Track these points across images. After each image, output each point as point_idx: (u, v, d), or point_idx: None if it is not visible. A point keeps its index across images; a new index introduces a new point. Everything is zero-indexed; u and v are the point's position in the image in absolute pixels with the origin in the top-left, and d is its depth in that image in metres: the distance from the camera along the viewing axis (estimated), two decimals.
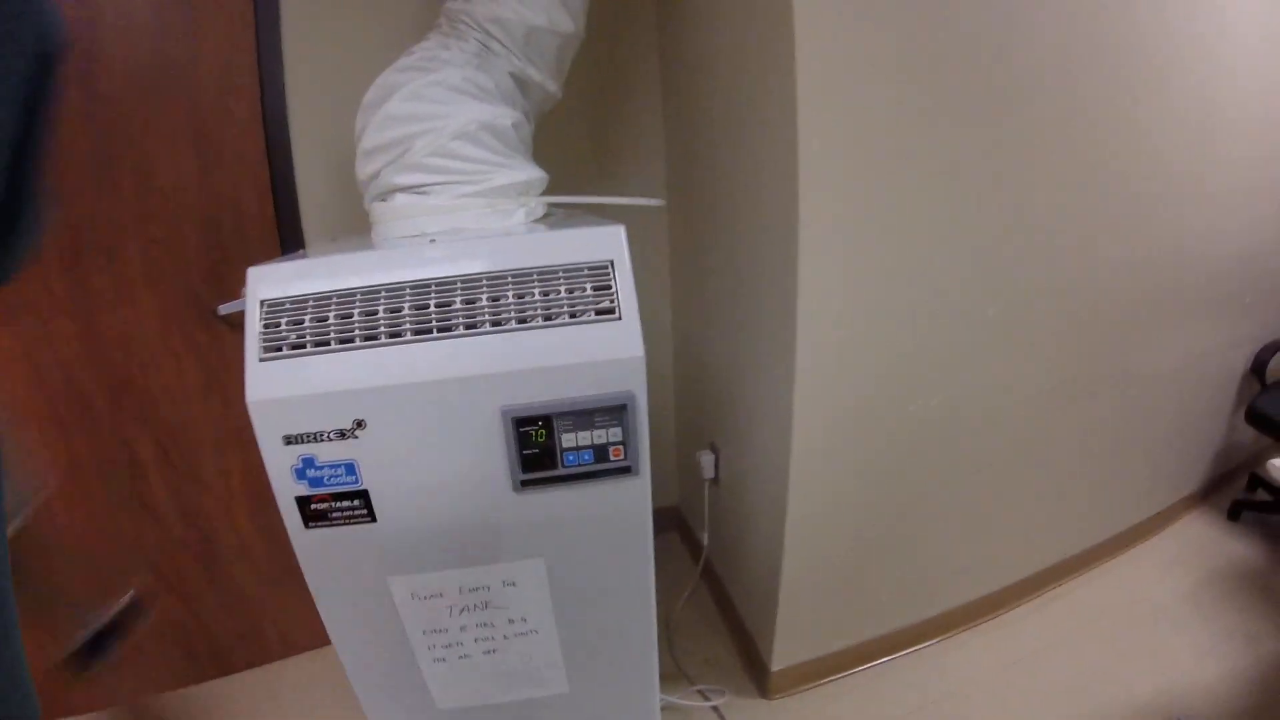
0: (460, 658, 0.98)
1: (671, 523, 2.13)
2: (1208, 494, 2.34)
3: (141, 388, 1.42)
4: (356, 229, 1.35)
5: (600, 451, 0.81)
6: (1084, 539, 1.89)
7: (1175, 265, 1.64)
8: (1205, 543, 2.11)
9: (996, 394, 1.45)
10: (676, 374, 1.97)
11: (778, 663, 1.48)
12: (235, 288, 1.31)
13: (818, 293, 1.13)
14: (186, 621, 1.62)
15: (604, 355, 0.77)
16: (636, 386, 0.79)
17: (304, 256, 0.90)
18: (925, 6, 1.05)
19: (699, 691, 1.55)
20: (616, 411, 0.79)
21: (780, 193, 1.10)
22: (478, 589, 0.91)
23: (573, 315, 0.77)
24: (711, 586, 1.87)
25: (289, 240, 1.40)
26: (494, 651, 0.98)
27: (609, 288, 0.78)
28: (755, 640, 1.57)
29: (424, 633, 0.95)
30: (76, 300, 1.34)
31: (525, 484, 0.81)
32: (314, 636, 1.70)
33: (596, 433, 0.79)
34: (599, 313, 0.77)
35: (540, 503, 0.84)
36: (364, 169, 1.03)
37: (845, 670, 1.58)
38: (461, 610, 0.92)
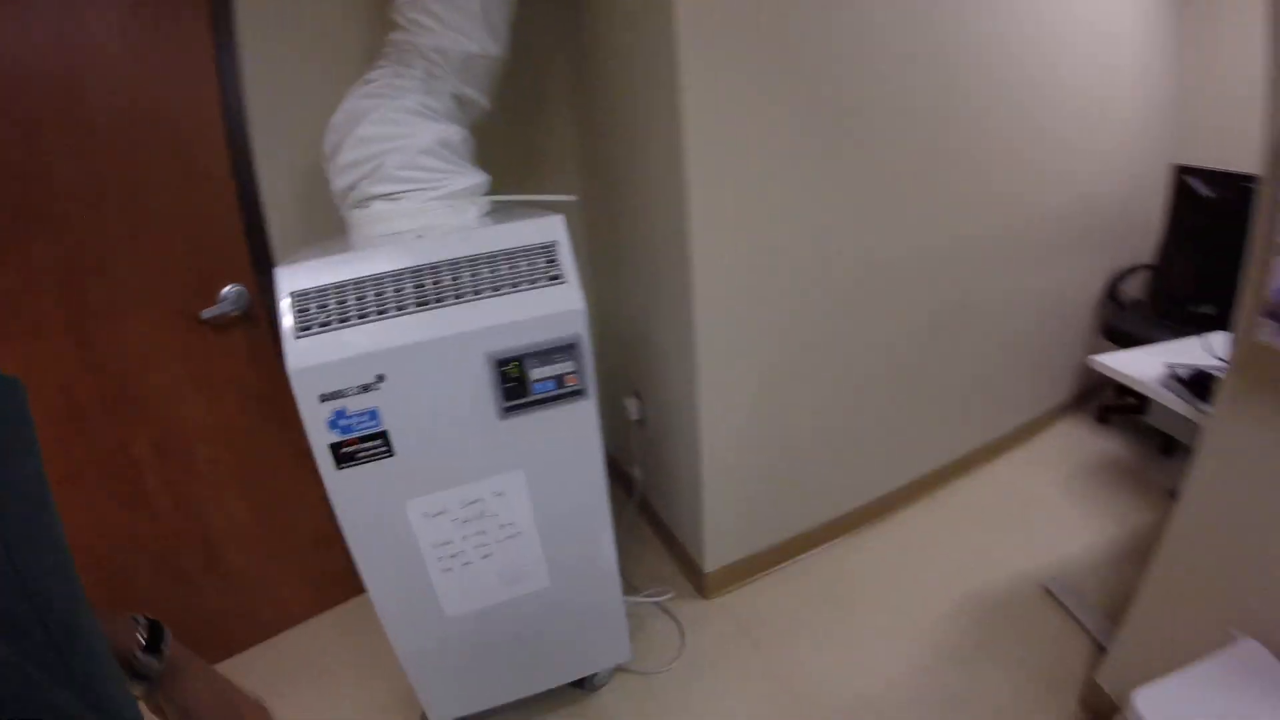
0: (463, 565, 1.34)
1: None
2: (1079, 403, 2.92)
3: (135, 392, 1.69)
4: (320, 235, 1.66)
5: (559, 380, 1.19)
6: (964, 445, 2.41)
7: (1022, 211, 2.14)
8: (1076, 443, 2.67)
9: (870, 328, 1.90)
10: (598, 336, 2.36)
11: (709, 564, 1.92)
12: (214, 296, 1.63)
13: (708, 255, 1.53)
14: (190, 607, 1.90)
15: (557, 309, 1.15)
16: (581, 329, 1.17)
17: (306, 259, 1.22)
18: (780, 42, 1.45)
19: (647, 598, 1.95)
20: (568, 349, 1.17)
21: (672, 187, 1.50)
22: (474, 502, 1.27)
23: (531, 283, 1.14)
24: (647, 516, 2.30)
25: (258, 249, 1.70)
26: (489, 556, 1.34)
27: (555, 261, 1.15)
28: (689, 551, 2.00)
29: (433, 546, 1.30)
30: (73, 318, 1.58)
31: (508, 410, 1.19)
32: (307, 606, 2.02)
33: (555, 367, 1.17)
34: (550, 279, 1.14)
35: (519, 425, 1.22)
36: (340, 181, 1.35)
37: (766, 569, 2.04)
38: (463, 522, 1.29)
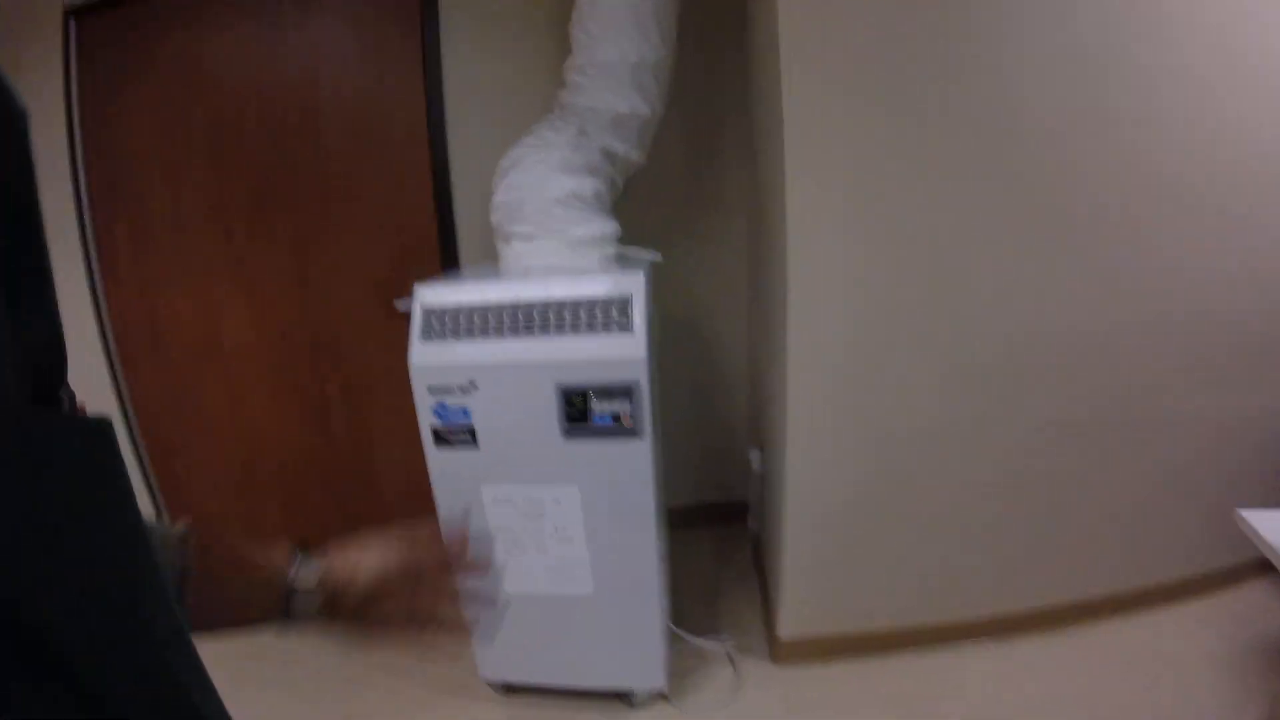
0: (521, 552, 1.61)
1: (744, 514, 2.62)
2: None
3: (336, 346, 2.22)
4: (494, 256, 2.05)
5: (616, 417, 1.41)
6: (1114, 582, 2.12)
7: (1200, 330, 1.92)
8: (1263, 611, 2.30)
9: (1005, 412, 1.81)
10: (751, 385, 2.54)
11: (784, 629, 1.96)
12: (409, 286, 2.05)
13: (806, 319, 1.63)
14: (345, 519, 2.40)
15: (621, 355, 1.37)
16: (641, 376, 1.38)
17: (458, 277, 1.56)
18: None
19: (707, 640, 2.07)
20: (626, 392, 1.38)
21: (778, 237, 1.64)
22: (535, 501, 1.53)
23: (605, 329, 1.38)
24: (758, 567, 2.39)
25: (448, 255, 2.14)
26: (543, 551, 1.60)
27: (628, 313, 1.38)
28: (773, 611, 2.07)
29: (499, 530, 1.59)
30: (299, 278, 2.15)
31: (569, 433, 1.43)
32: None
33: (614, 404, 1.39)
34: (620, 328, 1.37)
35: (579, 448, 1.46)
36: (493, 217, 1.69)
37: (847, 654, 2.00)
38: (524, 516, 1.56)
